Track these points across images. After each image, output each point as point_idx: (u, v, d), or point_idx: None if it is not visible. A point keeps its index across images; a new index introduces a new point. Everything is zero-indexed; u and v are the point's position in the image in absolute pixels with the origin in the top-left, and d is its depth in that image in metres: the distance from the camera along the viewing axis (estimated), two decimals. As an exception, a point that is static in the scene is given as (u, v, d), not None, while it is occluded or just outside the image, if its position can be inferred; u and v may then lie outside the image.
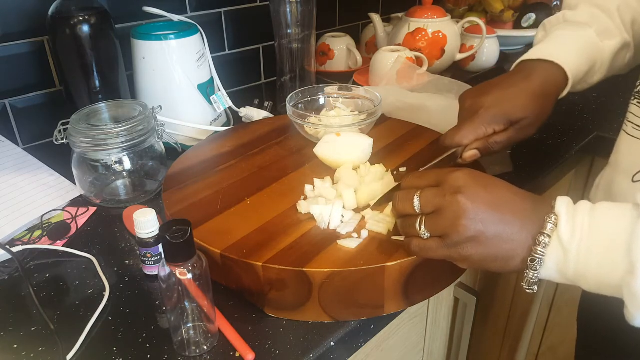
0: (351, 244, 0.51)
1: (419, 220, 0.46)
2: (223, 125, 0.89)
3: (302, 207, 0.57)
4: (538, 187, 0.77)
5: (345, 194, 0.57)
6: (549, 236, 0.42)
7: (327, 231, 0.54)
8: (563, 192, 0.97)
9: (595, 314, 0.70)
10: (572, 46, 0.64)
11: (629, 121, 0.58)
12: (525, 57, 0.64)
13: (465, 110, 0.62)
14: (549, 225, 0.42)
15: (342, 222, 0.55)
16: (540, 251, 0.42)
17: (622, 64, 0.69)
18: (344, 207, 0.57)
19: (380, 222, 0.54)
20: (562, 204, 0.42)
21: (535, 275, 0.43)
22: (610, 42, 0.66)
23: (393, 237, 0.52)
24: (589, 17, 0.66)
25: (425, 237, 0.46)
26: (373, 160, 0.66)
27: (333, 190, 0.59)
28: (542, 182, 0.77)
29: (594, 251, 0.40)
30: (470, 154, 0.60)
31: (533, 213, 0.43)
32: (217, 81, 0.91)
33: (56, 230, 0.64)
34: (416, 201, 0.45)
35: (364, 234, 0.53)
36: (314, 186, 0.61)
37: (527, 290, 0.44)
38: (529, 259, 0.43)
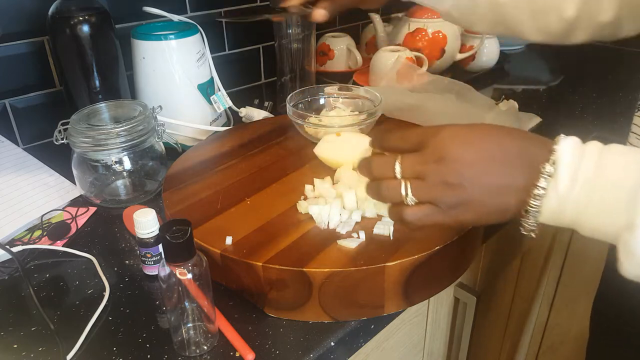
0: (351, 244, 0.51)
1: (402, 185, 0.43)
2: (223, 125, 0.89)
3: (302, 207, 0.57)
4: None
5: (345, 194, 0.57)
6: (544, 188, 0.39)
7: (327, 231, 0.54)
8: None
9: (610, 312, 0.70)
10: None
11: (632, 132, 0.58)
12: None
13: None
14: (542, 179, 0.39)
15: (342, 222, 0.55)
16: (534, 204, 0.39)
17: None
18: (343, 207, 0.57)
19: (385, 225, 0.54)
20: (567, 149, 0.39)
21: (531, 223, 0.40)
22: None
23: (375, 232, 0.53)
24: None
25: (411, 204, 0.43)
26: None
27: (333, 190, 0.59)
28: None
29: (594, 199, 0.37)
30: (319, 13, 0.68)
31: (526, 162, 0.40)
32: (217, 81, 0.91)
33: (56, 230, 0.64)
34: (397, 167, 0.43)
35: (362, 234, 0.53)
36: (314, 186, 0.61)
37: (525, 233, 0.42)
38: (524, 210, 0.40)
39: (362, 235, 0.53)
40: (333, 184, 0.62)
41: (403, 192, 0.42)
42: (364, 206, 0.57)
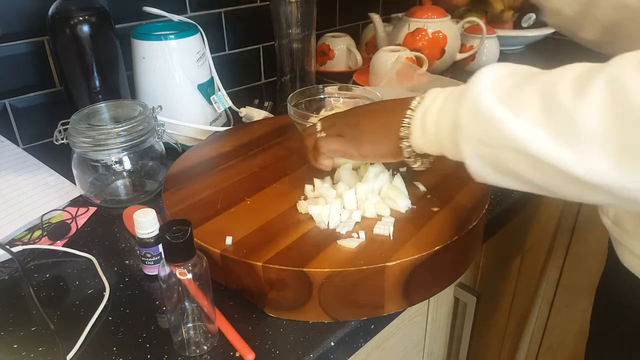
0: (351, 244, 0.51)
1: (318, 126, 0.58)
2: (223, 125, 0.89)
3: (302, 207, 0.57)
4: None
5: (345, 194, 0.57)
6: (412, 110, 0.50)
7: (327, 231, 0.54)
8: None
9: (609, 310, 0.70)
10: None
11: None
12: None
13: None
14: (409, 110, 0.50)
15: (342, 221, 0.55)
16: (405, 121, 0.50)
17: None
18: (343, 207, 0.57)
19: (385, 225, 0.54)
20: (431, 92, 0.50)
21: (408, 146, 0.50)
22: None
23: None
24: None
25: (323, 135, 0.57)
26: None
27: (333, 190, 0.59)
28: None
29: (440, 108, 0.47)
30: None
31: (401, 108, 0.51)
32: (217, 81, 0.91)
33: (56, 230, 0.64)
34: (318, 126, 0.58)
35: (362, 234, 0.53)
36: (314, 186, 0.61)
37: (413, 166, 0.53)
38: (401, 138, 0.51)
39: (362, 235, 0.53)
40: (333, 184, 0.62)
41: (318, 129, 0.58)
42: (364, 206, 0.57)
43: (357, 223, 0.55)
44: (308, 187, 0.61)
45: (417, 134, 0.49)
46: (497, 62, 0.44)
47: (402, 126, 0.50)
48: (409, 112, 0.50)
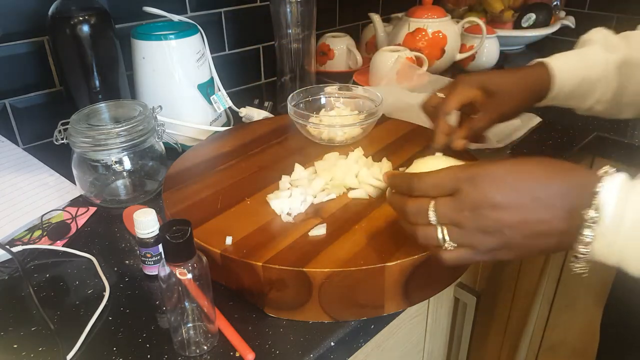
0: (320, 231, 0.54)
1: (439, 231, 0.43)
2: (223, 125, 0.89)
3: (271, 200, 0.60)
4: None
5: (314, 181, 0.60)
6: (591, 235, 0.39)
7: (327, 231, 0.54)
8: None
9: (622, 319, 0.70)
10: (570, 55, 0.68)
11: None
12: None
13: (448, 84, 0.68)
14: (587, 229, 0.39)
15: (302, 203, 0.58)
16: (583, 250, 0.39)
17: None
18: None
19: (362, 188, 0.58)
20: (610, 193, 0.38)
21: (582, 267, 0.41)
22: (613, 55, 0.68)
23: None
24: (601, 37, 0.70)
25: (450, 249, 0.43)
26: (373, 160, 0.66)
27: (306, 173, 0.63)
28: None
29: None
30: (460, 143, 0.64)
31: (567, 206, 0.39)
32: (217, 81, 0.91)
33: (56, 230, 0.64)
34: (432, 215, 0.42)
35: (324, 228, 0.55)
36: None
37: (577, 272, 0.42)
38: (572, 255, 0.41)
39: (324, 229, 0.54)
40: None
41: (440, 237, 0.43)
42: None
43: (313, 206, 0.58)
44: (285, 178, 0.63)
45: (598, 257, 0.39)
46: None
47: (580, 255, 0.40)
48: (586, 231, 0.39)
